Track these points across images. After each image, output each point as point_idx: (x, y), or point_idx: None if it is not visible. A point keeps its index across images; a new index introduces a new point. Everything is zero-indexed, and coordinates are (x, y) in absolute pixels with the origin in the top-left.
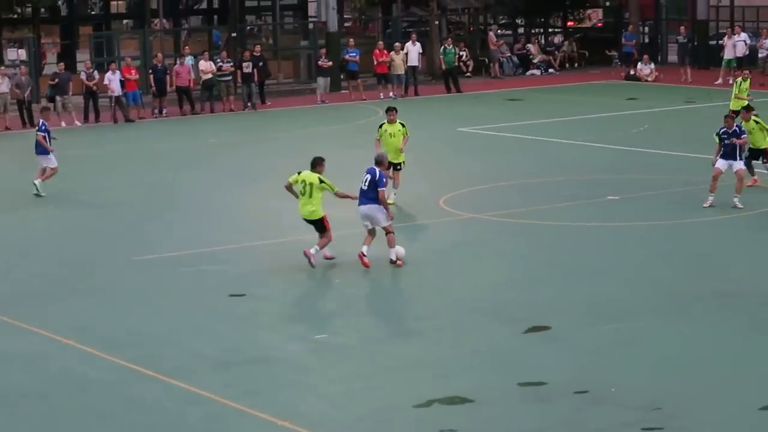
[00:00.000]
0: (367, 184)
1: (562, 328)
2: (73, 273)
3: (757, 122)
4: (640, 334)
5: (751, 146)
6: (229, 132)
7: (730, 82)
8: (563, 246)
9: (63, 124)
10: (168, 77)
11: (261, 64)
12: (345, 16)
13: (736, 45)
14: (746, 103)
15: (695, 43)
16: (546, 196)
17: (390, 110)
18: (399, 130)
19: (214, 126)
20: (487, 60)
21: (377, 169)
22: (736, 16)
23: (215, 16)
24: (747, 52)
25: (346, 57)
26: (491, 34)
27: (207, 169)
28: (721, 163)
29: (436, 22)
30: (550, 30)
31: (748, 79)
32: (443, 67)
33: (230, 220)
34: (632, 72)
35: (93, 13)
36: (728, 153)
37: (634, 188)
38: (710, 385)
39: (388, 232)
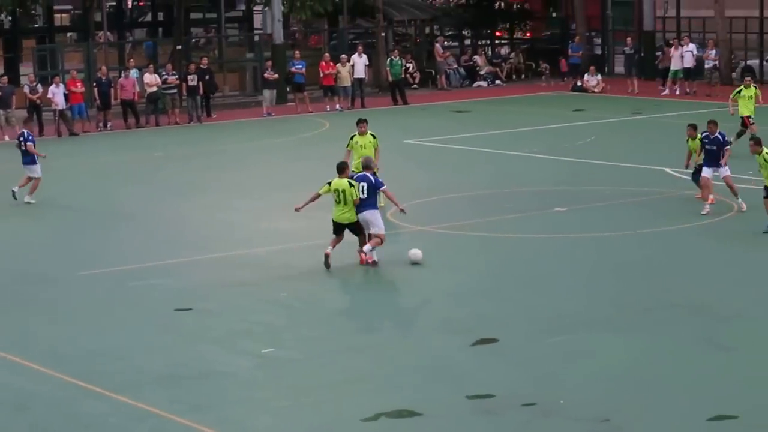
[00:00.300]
0: (365, 191)
1: (510, 341)
2: (17, 287)
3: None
4: (589, 346)
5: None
6: (175, 145)
7: (676, 92)
8: (511, 258)
9: (6, 138)
10: (112, 90)
11: (207, 77)
12: (292, 29)
13: (684, 56)
14: (744, 113)
15: (642, 54)
16: (494, 208)
17: (361, 122)
18: (370, 142)
19: (159, 139)
20: (433, 72)
21: (368, 174)
22: (682, 27)
23: (160, 29)
24: (695, 63)
25: (292, 69)
26: (438, 45)
27: (153, 182)
28: (707, 171)
29: (383, 34)
30: (496, 41)
31: (751, 86)
32: (390, 79)
33: (177, 234)
34: (579, 83)
35: (36, 26)
36: (712, 160)
37: (582, 200)
38: (658, 397)
39: (379, 238)
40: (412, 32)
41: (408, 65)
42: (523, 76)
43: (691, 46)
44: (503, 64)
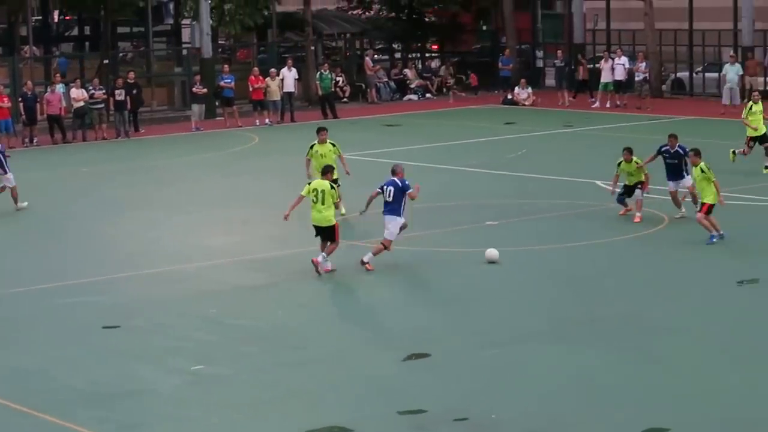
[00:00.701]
0: (391, 195)
1: (443, 355)
2: None
3: (638, 164)
4: (522, 360)
5: (626, 183)
6: (102, 161)
7: (607, 105)
8: (443, 272)
9: None
10: (38, 105)
11: (135, 91)
12: (220, 42)
13: (615, 68)
14: (763, 130)
15: (572, 67)
16: (424, 222)
17: (321, 130)
18: (330, 150)
19: (86, 155)
20: (363, 85)
21: (396, 179)
22: (612, 40)
23: (87, 43)
24: (626, 76)
25: (221, 83)
26: (368, 59)
27: (81, 198)
28: (671, 185)
29: (312, 48)
30: (426, 54)
31: (759, 102)
32: (320, 92)
33: (105, 251)
34: (510, 96)
35: None
36: (674, 173)
37: (514, 213)
38: (591, 410)
39: (383, 243)
40: (342, 46)
41: (338, 79)
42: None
43: (623, 59)
44: (434, 77)
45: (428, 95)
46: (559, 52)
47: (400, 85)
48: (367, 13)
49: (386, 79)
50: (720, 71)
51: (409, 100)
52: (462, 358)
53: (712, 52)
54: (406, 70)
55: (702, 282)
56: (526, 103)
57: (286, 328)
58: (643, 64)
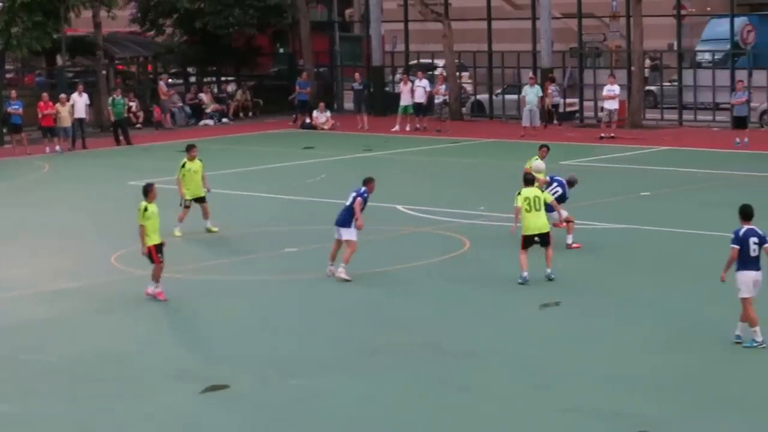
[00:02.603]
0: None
1: (241, 386)
2: None
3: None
4: (323, 389)
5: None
6: None
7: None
8: (241, 301)
9: None
10: None
11: None
12: (7, 67)
13: (415, 91)
14: None
15: (371, 90)
16: (222, 250)
17: (191, 147)
18: (199, 167)
19: None
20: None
21: (364, 189)
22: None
23: None
24: (426, 99)
25: (9, 110)
26: (161, 83)
27: None
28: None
29: (104, 72)
30: (222, 78)
31: None
32: (112, 118)
33: None
34: (308, 120)
35: None
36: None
37: (313, 239)
38: None
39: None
40: (135, 70)
41: (131, 104)
42: (250, 114)
43: (423, 82)
44: (230, 101)
45: (225, 120)
46: (357, 74)
47: (196, 109)
48: (160, 37)
49: (181, 104)
50: (519, 93)
51: (205, 125)
52: (260, 390)
53: (511, 74)
54: (202, 95)
55: (506, 305)
56: (325, 127)
57: (81, 362)
58: (443, 86)
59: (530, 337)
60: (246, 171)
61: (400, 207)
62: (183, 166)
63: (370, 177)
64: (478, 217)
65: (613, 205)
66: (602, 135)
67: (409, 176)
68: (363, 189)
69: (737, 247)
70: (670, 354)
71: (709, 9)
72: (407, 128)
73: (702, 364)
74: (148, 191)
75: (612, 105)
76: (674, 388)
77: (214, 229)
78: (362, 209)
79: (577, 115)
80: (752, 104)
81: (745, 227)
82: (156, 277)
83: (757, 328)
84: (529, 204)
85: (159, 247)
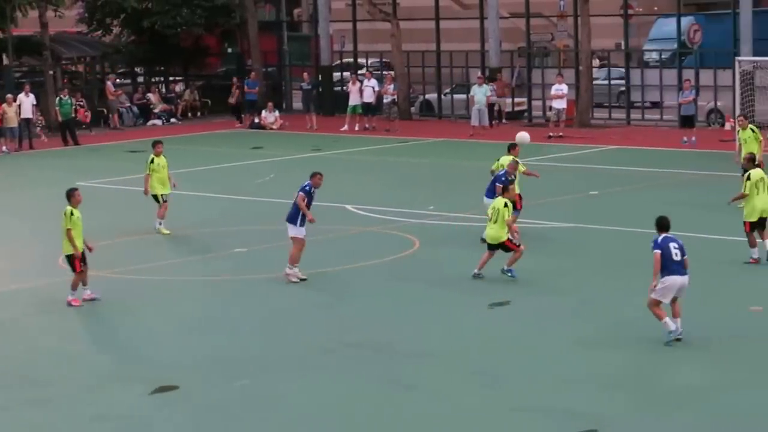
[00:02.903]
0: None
1: (191, 387)
2: None
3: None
4: (271, 390)
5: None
6: None
7: (355, 128)
8: (190, 302)
9: None
10: None
11: None
12: None
13: (364, 90)
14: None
15: (320, 90)
16: (171, 250)
17: (157, 143)
18: (166, 162)
19: None
20: (106, 110)
21: (308, 183)
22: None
23: None
24: (375, 99)
25: None
26: (109, 83)
27: None
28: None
29: (51, 72)
30: (170, 78)
31: (748, 128)
32: (59, 118)
33: None
34: (257, 120)
35: None
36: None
37: (263, 239)
38: None
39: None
40: (83, 70)
41: (79, 104)
42: (198, 114)
43: (372, 81)
44: (178, 101)
45: (173, 120)
46: (306, 74)
47: (144, 109)
48: (108, 37)
49: (129, 104)
50: (468, 92)
51: (153, 125)
52: (211, 390)
53: (460, 73)
54: (150, 95)
55: (456, 305)
56: (274, 127)
57: (27, 364)
58: (392, 86)
59: (480, 336)
60: (195, 171)
61: (349, 207)
62: (152, 161)
63: (316, 171)
64: (427, 216)
65: (562, 204)
66: (551, 134)
67: (359, 176)
68: (306, 183)
69: (659, 251)
70: (620, 352)
71: (656, 8)
72: (356, 128)
73: (652, 362)
74: (71, 195)
75: (560, 104)
76: (623, 386)
77: (166, 231)
78: (308, 204)
79: (526, 114)
80: (699, 103)
81: (662, 235)
82: (75, 286)
83: (666, 320)
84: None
85: (83, 255)
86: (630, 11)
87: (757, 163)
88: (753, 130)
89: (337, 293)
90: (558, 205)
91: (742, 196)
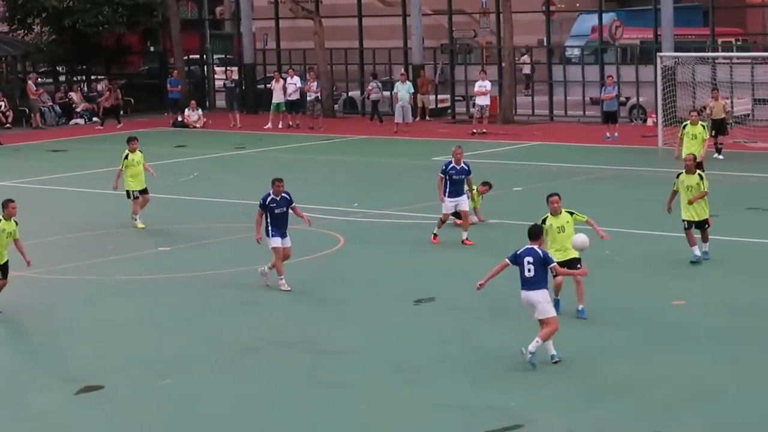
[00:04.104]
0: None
1: (116, 387)
2: None
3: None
4: (195, 389)
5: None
6: None
7: (279, 126)
8: (114, 301)
9: None
10: None
11: None
12: None
13: (287, 88)
14: (697, 148)
15: (243, 88)
16: (94, 250)
17: (132, 140)
18: (141, 158)
19: None
20: (27, 110)
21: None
22: (283, 59)
23: None
24: (298, 96)
25: None
26: (30, 82)
27: None
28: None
29: None
30: (92, 77)
31: (698, 124)
32: None
33: None
34: (180, 118)
35: None
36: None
37: (186, 238)
38: None
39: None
40: (4, 69)
41: (0, 104)
42: (121, 113)
43: (295, 79)
44: (100, 100)
45: (95, 119)
46: (229, 72)
47: (66, 108)
48: (29, 36)
49: (51, 103)
50: (392, 89)
51: (76, 124)
52: (136, 390)
53: (383, 70)
54: (72, 94)
55: (381, 302)
56: (197, 125)
57: None
58: (315, 83)
59: (405, 332)
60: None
61: None
62: (126, 157)
63: (274, 178)
64: (352, 213)
65: (486, 200)
66: (474, 131)
67: (283, 174)
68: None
69: (508, 263)
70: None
71: (577, 5)
72: (280, 125)
73: (578, 356)
74: (5, 206)
75: (483, 101)
76: (547, 381)
77: (141, 225)
78: (274, 212)
79: (449, 111)
80: (621, 99)
81: (526, 246)
82: None
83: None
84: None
85: (5, 267)
86: (552, 8)
87: (698, 162)
88: (703, 127)
89: (263, 291)
90: (482, 201)
91: (702, 195)
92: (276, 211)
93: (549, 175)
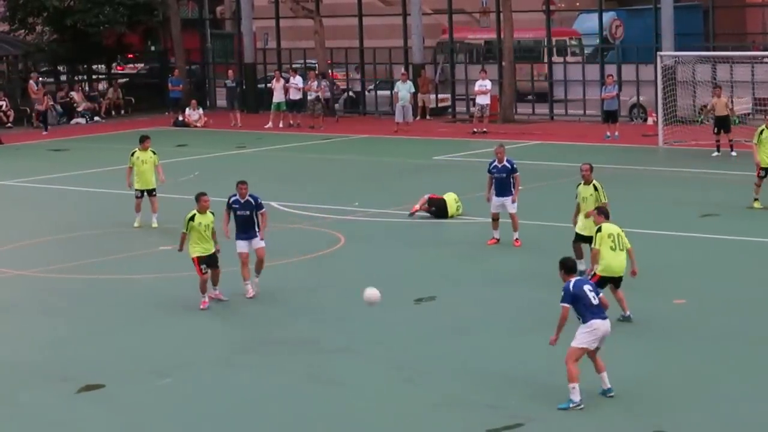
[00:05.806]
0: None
1: (117, 386)
2: None
3: None
4: (195, 388)
5: None
6: None
7: (280, 125)
8: (115, 300)
9: None
10: None
11: None
12: None
13: (289, 88)
14: None
15: (244, 87)
16: (97, 249)
17: (145, 139)
18: (150, 158)
19: None
20: (28, 109)
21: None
22: (283, 59)
23: None
24: (300, 96)
25: None
26: (32, 82)
27: None
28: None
29: None
30: (93, 76)
31: None
32: None
33: None
34: (181, 118)
35: None
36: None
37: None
38: None
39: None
40: (5, 69)
41: (1, 103)
42: (122, 112)
43: (297, 79)
44: (101, 99)
45: (96, 118)
46: (230, 71)
47: (67, 108)
48: (30, 35)
49: (52, 103)
50: (392, 89)
51: (77, 123)
52: (135, 388)
53: (383, 70)
54: (73, 93)
55: (382, 300)
56: (198, 124)
57: None
58: (316, 83)
59: (405, 331)
60: (119, 169)
61: (275, 204)
62: (132, 155)
63: (238, 181)
64: (353, 213)
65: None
66: (474, 130)
67: (284, 173)
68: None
69: (568, 305)
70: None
71: (577, 4)
72: (280, 125)
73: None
74: (198, 200)
75: (483, 100)
76: (547, 381)
77: (155, 225)
78: (243, 213)
79: (450, 110)
80: (622, 98)
81: (574, 280)
82: None
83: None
84: (613, 241)
85: (213, 257)
86: (552, 7)
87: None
88: None
89: (262, 290)
90: (481, 200)
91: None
92: (238, 212)
93: (549, 174)
